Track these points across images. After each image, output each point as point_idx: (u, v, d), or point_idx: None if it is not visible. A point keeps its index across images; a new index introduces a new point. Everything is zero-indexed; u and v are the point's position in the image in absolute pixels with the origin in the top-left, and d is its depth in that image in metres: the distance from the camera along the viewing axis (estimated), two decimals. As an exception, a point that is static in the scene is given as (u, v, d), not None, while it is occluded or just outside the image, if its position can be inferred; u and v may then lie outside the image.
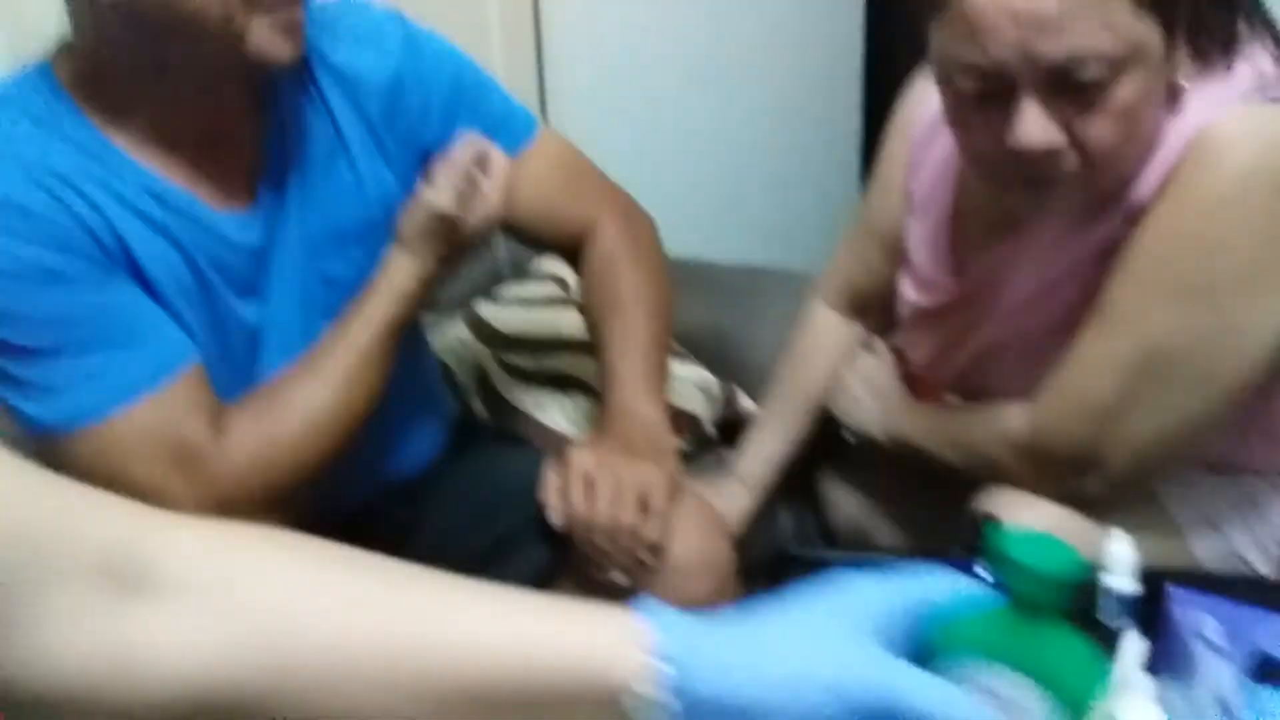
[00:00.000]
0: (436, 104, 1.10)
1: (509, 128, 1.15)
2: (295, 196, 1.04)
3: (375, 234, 1.08)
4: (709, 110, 2.37)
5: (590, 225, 1.21)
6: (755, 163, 2.49)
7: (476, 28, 2.04)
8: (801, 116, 2.58)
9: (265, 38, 0.91)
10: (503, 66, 2.12)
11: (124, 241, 0.95)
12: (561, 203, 1.20)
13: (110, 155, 0.95)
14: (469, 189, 1.05)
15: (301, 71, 1.04)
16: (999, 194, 1.01)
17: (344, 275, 1.07)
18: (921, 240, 1.17)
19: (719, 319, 1.67)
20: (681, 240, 1.70)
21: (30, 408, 0.92)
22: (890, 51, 2.64)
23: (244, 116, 1.02)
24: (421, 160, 1.10)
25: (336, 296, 1.06)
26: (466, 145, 1.06)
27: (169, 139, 0.97)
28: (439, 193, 1.04)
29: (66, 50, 0.98)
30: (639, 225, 1.26)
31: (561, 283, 1.67)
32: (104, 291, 0.93)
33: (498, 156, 1.07)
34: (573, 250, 1.23)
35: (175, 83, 0.95)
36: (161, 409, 0.94)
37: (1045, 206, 0.98)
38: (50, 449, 0.91)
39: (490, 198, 1.06)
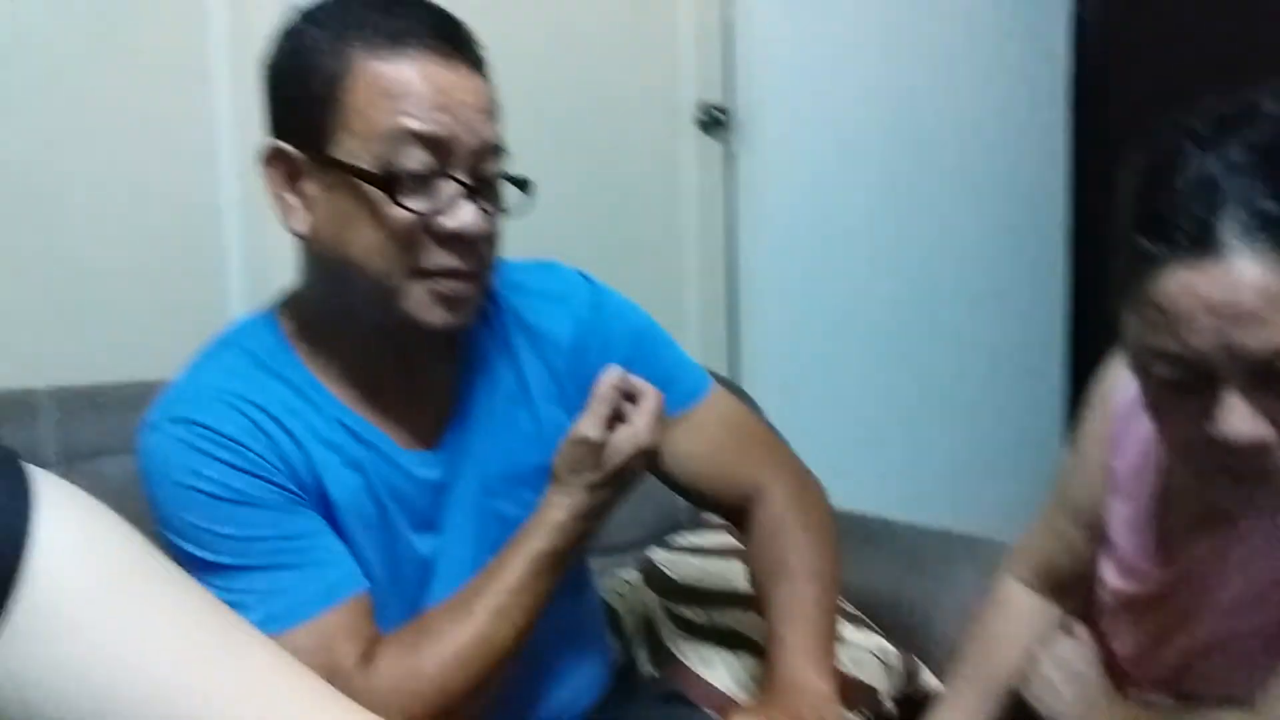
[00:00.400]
0: (615, 358, 1.12)
1: (681, 384, 1.17)
2: (478, 439, 1.09)
3: (548, 478, 1.09)
4: (904, 365, 2.35)
5: (757, 488, 1.19)
6: (949, 421, 2.44)
7: (673, 277, 2.11)
8: (1000, 376, 2.53)
9: (421, 303, 0.96)
10: (697, 318, 2.18)
11: (317, 473, 1.01)
12: (729, 462, 1.19)
13: (318, 395, 1.03)
14: (615, 417, 1.06)
15: (495, 325, 1.11)
16: (1202, 485, 0.93)
17: (517, 516, 1.08)
18: (1124, 522, 1.10)
19: (901, 584, 1.59)
20: (866, 496, 1.66)
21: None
22: (1096, 311, 2.59)
23: (437, 364, 1.07)
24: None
25: (508, 535, 1.07)
26: (610, 374, 1.07)
27: (367, 382, 1.04)
28: (585, 420, 1.05)
29: (292, 299, 1.08)
30: (810, 491, 1.23)
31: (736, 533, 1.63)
32: (289, 517, 0.99)
33: (645, 387, 1.07)
34: (739, 512, 1.21)
35: (366, 330, 1.02)
36: (320, 633, 0.97)
37: (1253, 502, 0.90)
38: None
39: (638, 425, 1.05)
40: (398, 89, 0.92)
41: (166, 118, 1.62)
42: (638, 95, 2.10)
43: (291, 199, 0.98)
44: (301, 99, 0.96)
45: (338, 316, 1.03)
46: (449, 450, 1.08)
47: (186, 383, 1.02)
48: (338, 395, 1.03)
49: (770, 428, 1.26)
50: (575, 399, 1.11)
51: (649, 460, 1.09)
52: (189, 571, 0.89)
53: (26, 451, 1.27)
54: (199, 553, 0.96)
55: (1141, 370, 0.89)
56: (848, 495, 1.79)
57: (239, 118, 1.61)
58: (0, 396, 1.38)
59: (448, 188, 0.95)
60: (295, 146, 0.97)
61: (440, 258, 0.95)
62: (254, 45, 1.57)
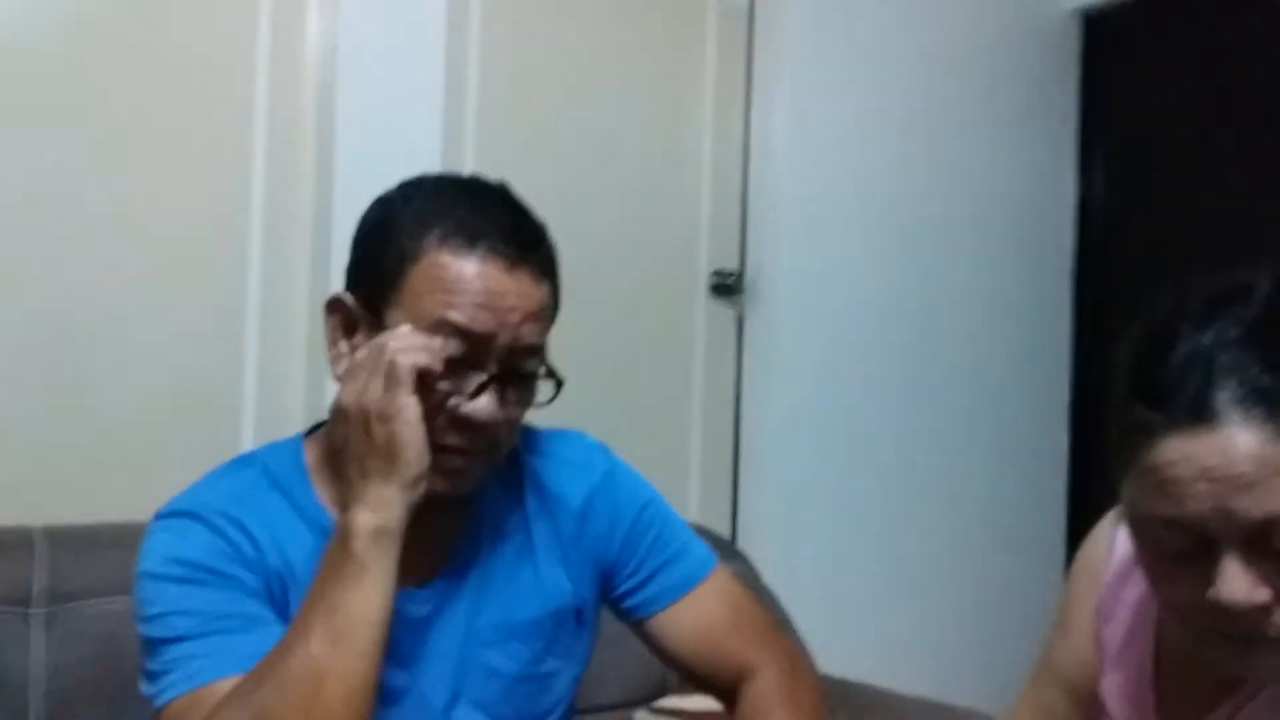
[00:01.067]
0: (621, 529, 1.16)
1: (687, 561, 1.18)
2: (473, 585, 1.09)
3: (540, 633, 1.11)
4: (907, 532, 2.33)
5: (749, 669, 1.17)
6: (951, 590, 2.40)
7: (679, 434, 2.12)
8: (1003, 550, 2.51)
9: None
10: (700, 475, 2.18)
11: (288, 592, 1.02)
12: (723, 642, 1.18)
13: (319, 518, 1.05)
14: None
15: (511, 483, 1.14)
16: (1201, 649, 0.92)
17: (504, 668, 1.09)
18: (1120, 694, 1.07)
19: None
20: (863, 662, 1.63)
21: (146, 688, 0.99)
22: (1098, 484, 2.57)
23: (445, 512, 1.07)
24: (597, 575, 1.16)
25: (491, 688, 1.08)
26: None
27: None
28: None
29: (318, 430, 1.11)
30: (800, 669, 1.22)
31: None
32: (241, 605, 0.99)
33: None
34: (729, 692, 1.19)
35: None
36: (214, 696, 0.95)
37: (1252, 666, 0.88)
38: None
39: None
40: (453, 284, 0.98)
41: (199, 268, 1.69)
42: (657, 262, 2.16)
43: (343, 347, 1.03)
44: (374, 265, 1.02)
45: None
46: (440, 591, 1.08)
47: (196, 488, 1.07)
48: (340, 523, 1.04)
49: (766, 608, 1.25)
50: (575, 563, 1.14)
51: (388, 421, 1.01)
52: (145, 658, 0.96)
53: (14, 588, 1.29)
54: (143, 629, 0.99)
55: (1140, 536, 0.89)
56: (843, 661, 1.76)
57: (268, 275, 1.73)
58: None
59: (475, 377, 0.99)
60: (358, 302, 1.03)
61: (452, 437, 0.99)
62: (286, 217, 1.74)
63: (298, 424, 1.72)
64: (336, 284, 1.63)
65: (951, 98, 2.44)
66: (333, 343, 1.04)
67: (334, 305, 1.04)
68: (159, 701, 0.97)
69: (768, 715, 1.14)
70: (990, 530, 2.48)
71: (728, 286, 2.21)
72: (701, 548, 1.21)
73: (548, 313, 1.05)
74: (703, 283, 2.21)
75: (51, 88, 1.58)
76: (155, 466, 1.62)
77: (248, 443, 1.71)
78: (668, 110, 2.18)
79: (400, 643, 1.04)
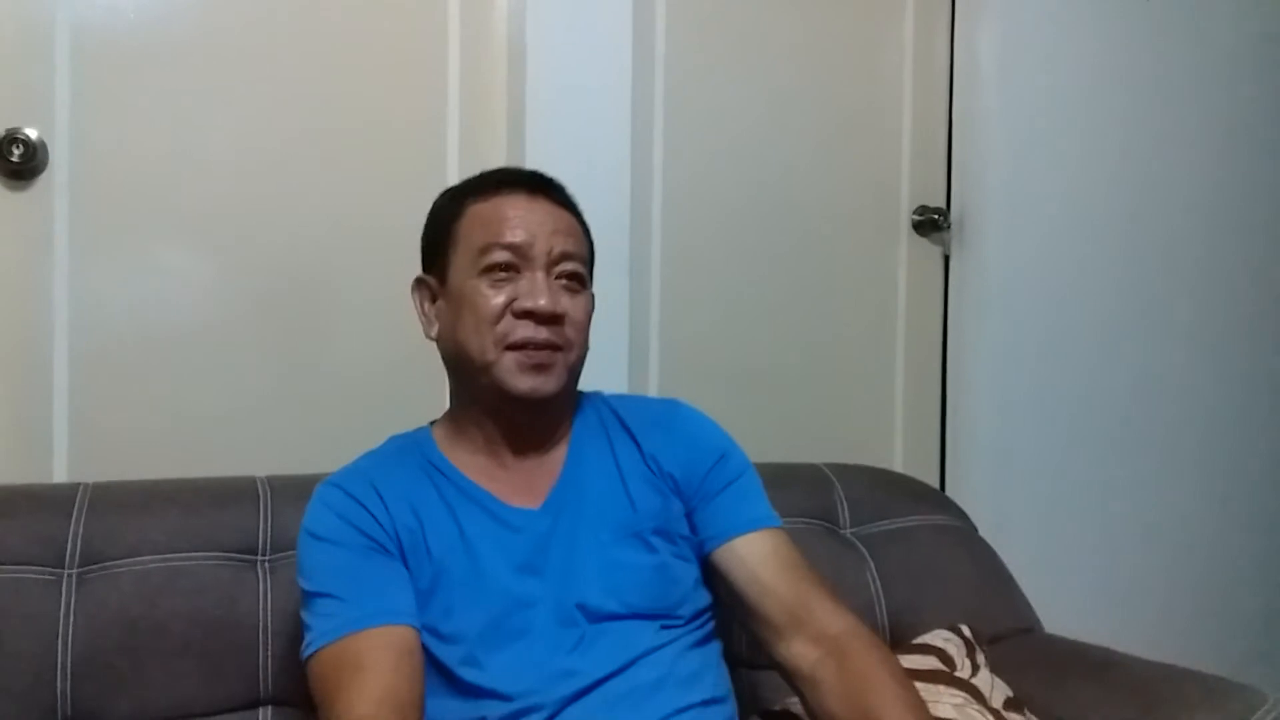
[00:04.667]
0: (700, 459, 1.31)
1: (757, 507, 1.30)
2: (580, 500, 1.26)
3: (648, 531, 1.26)
4: (1128, 484, 2.20)
5: (809, 613, 1.22)
6: (1178, 549, 2.25)
7: (885, 377, 2.05)
8: (1240, 504, 2.33)
9: (510, 370, 1.20)
10: (904, 436, 2.11)
11: (423, 532, 1.21)
12: (785, 581, 1.25)
13: (446, 468, 1.27)
14: None
15: (598, 425, 1.33)
16: None
17: (627, 560, 1.23)
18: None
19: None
20: (1084, 623, 1.55)
21: (304, 639, 1.16)
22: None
23: (546, 445, 1.29)
24: (678, 489, 1.30)
25: (619, 579, 1.21)
26: None
27: (486, 456, 1.27)
28: None
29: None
30: (881, 642, 1.22)
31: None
32: (362, 560, 1.18)
33: None
34: (779, 631, 1.23)
35: (484, 410, 1.26)
36: (334, 659, 1.12)
37: None
38: None
39: None
40: (490, 217, 1.23)
41: (408, 231, 1.71)
42: (856, 199, 2.09)
43: (430, 313, 1.28)
44: (433, 241, 1.28)
45: (465, 403, 1.28)
46: (554, 508, 1.25)
47: (351, 463, 1.29)
48: (461, 465, 1.26)
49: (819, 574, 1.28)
50: (660, 477, 1.29)
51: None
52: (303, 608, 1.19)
53: (238, 538, 1.36)
54: (300, 582, 1.19)
55: None
56: (1062, 619, 1.66)
57: None
58: (222, 483, 1.44)
59: (527, 280, 1.21)
60: (431, 276, 1.28)
61: (522, 331, 1.19)
62: (482, 166, 1.76)
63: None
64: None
65: (1176, 17, 2.23)
66: (421, 311, 1.29)
67: (417, 284, 1.29)
68: (306, 653, 1.14)
69: (872, 673, 1.16)
70: (1220, 481, 2.30)
71: (932, 223, 2.11)
72: (769, 507, 1.31)
73: (577, 233, 1.26)
74: (905, 220, 2.12)
75: (253, 62, 1.65)
76: (368, 419, 1.69)
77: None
78: (866, 37, 2.09)
79: (531, 555, 1.21)
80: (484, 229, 1.22)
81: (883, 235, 2.11)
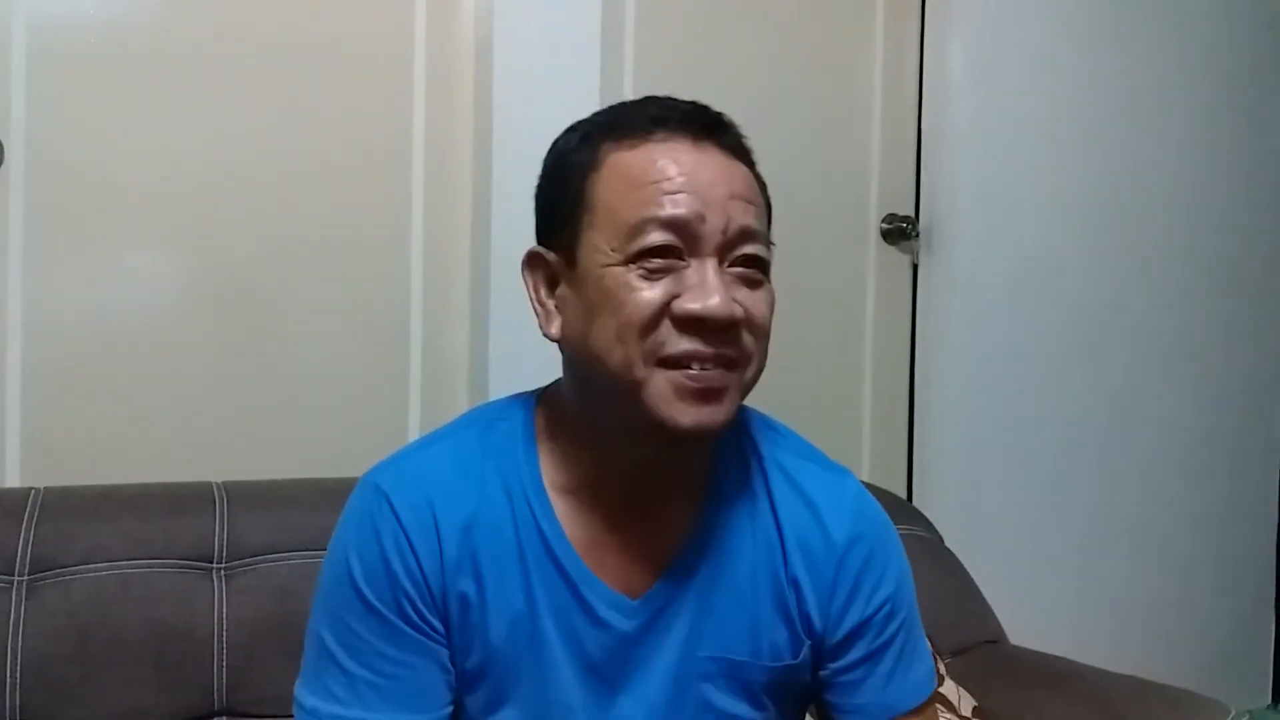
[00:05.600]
0: (859, 605, 0.98)
1: (908, 678, 1.00)
2: (688, 599, 0.96)
3: (753, 691, 0.97)
4: (1092, 492, 2.21)
5: None
6: (1140, 557, 2.27)
7: (852, 384, 2.04)
8: (1202, 511, 2.35)
9: (664, 395, 0.86)
10: (873, 427, 2.11)
11: (484, 596, 0.93)
12: None
13: (537, 502, 0.94)
14: None
15: (750, 494, 0.99)
16: None
17: (723, 707, 0.96)
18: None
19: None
20: (1044, 632, 1.55)
21: (298, 688, 0.94)
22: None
23: (675, 504, 0.97)
24: (815, 644, 0.99)
25: None
26: None
27: (597, 501, 0.95)
28: None
29: (551, 392, 1.00)
30: None
31: None
32: (394, 635, 0.92)
33: None
34: None
35: (612, 441, 0.93)
36: None
37: None
38: None
39: None
40: (641, 176, 0.89)
41: (370, 231, 1.72)
42: (826, 207, 2.08)
43: (549, 303, 0.94)
44: (556, 200, 0.94)
45: (586, 423, 0.94)
46: (655, 604, 0.95)
47: (416, 451, 0.99)
48: (558, 508, 0.94)
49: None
50: (795, 609, 0.97)
51: None
52: (312, 647, 0.92)
53: (193, 545, 1.33)
54: (314, 606, 0.95)
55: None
56: (1029, 629, 1.67)
57: (429, 235, 1.74)
58: (178, 489, 1.41)
59: (694, 272, 0.88)
60: (552, 250, 0.94)
61: (683, 343, 0.87)
62: (445, 179, 1.74)
63: (462, 377, 1.73)
64: (498, 235, 1.65)
65: (1148, 30, 2.25)
66: (536, 300, 0.95)
67: (531, 260, 0.95)
68: (297, 699, 0.94)
69: None
70: (1193, 491, 2.32)
71: (901, 232, 2.11)
72: (927, 662, 1.02)
73: (757, 197, 0.93)
74: (874, 228, 2.12)
75: (215, 59, 1.62)
76: (327, 425, 1.67)
77: (414, 398, 1.73)
78: (837, 47, 2.08)
79: (607, 659, 0.94)
80: (635, 194, 0.88)
81: (852, 243, 2.11)
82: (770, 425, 1.05)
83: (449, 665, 0.93)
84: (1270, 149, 2.45)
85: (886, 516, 1.03)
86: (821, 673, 0.98)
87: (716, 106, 0.98)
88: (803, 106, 2.04)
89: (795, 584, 0.96)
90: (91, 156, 1.55)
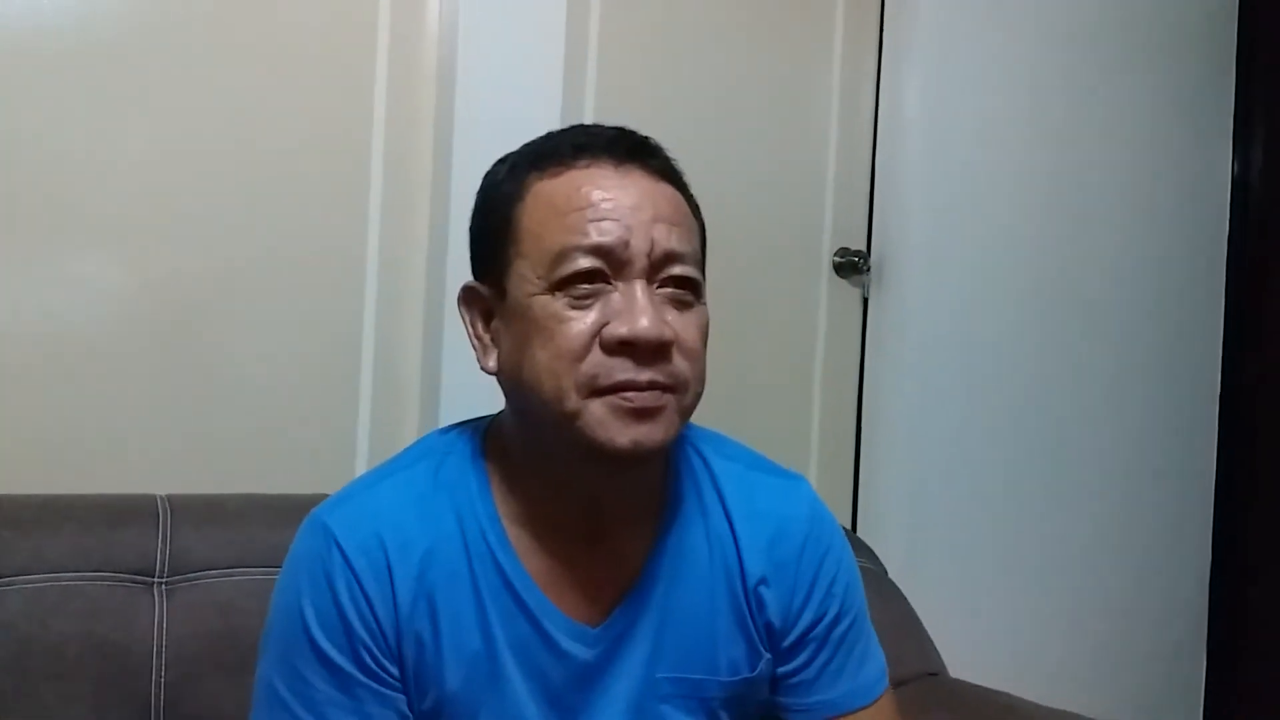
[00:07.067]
0: (811, 608, 1.01)
1: (861, 674, 1.03)
2: (646, 624, 0.96)
3: (712, 709, 0.98)
4: (1038, 528, 2.24)
5: None
6: (1084, 595, 2.30)
7: (801, 416, 2.05)
8: (1142, 552, 2.40)
9: (600, 420, 0.86)
10: (821, 459, 2.12)
11: (437, 635, 0.92)
12: None
13: (492, 533, 0.94)
14: None
15: (702, 513, 1.00)
16: None
17: None
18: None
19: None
20: (989, 667, 1.56)
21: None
22: (1246, 488, 2.46)
23: (629, 529, 0.97)
24: (772, 651, 1.01)
25: None
26: None
27: (550, 532, 0.95)
28: None
29: (497, 422, 1.00)
30: None
31: None
32: (350, 688, 0.91)
33: None
34: None
35: (559, 473, 0.94)
36: None
37: None
38: None
39: None
40: (565, 203, 0.89)
41: (325, 247, 1.70)
42: (778, 239, 2.10)
43: (485, 337, 0.95)
44: (485, 232, 0.95)
45: (531, 452, 0.95)
46: (614, 631, 0.95)
47: (366, 489, 0.97)
48: (514, 540, 0.94)
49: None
50: (754, 620, 0.99)
51: None
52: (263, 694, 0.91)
53: (134, 558, 1.31)
54: (261, 649, 0.94)
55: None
56: (970, 663, 1.68)
57: (385, 249, 1.73)
58: (121, 500, 1.39)
59: (621, 296, 0.88)
60: (485, 283, 0.95)
61: (616, 372, 0.87)
62: (403, 190, 1.73)
63: (414, 397, 1.72)
64: (455, 255, 1.65)
65: (1095, 73, 2.30)
66: (473, 334, 0.96)
67: (465, 295, 0.96)
68: None
69: None
70: (1131, 530, 2.36)
71: (853, 265, 2.13)
72: (879, 660, 1.06)
73: (685, 218, 0.93)
74: (826, 261, 2.14)
75: (174, 59, 1.60)
76: (274, 441, 1.65)
77: (364, 417, 1.71)
78: (795, 86, 2.11)
79: (567, 689, 0.94)
80: (559, 221, 0.88)
81: (804, 275, 2.13)
82: (717, 441, 1.07)
83: (407, 712, 0.92)
84: (1214, 181, 2.52)
85: (837, 522, 1.06)
86: (776, 672, 1.00)
87: (674, 136, 1.00)
88: (760, 142, 2.06)
89: (755, 595, 0.98)
90: (39, 161, 1.52)
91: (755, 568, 0.98)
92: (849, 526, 2.10)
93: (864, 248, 2.16)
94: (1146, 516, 2.39)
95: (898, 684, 1.53)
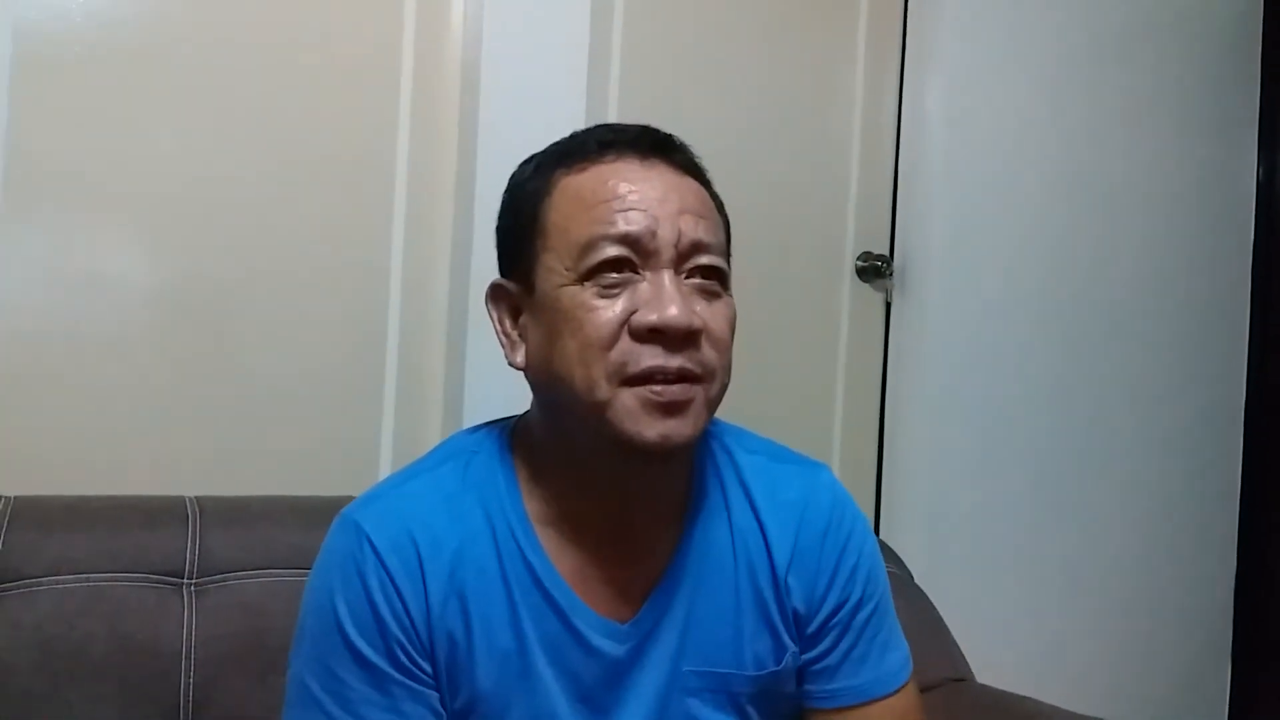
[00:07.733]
0: (834, 596, 1.01)
1: (885, 661, 1.03)
2: (674, 619, 0.97)
3: (739, 703, 0.99)
4: (1064, 533, 2.22)
5: None
6: (1111, 598, 2.28)
7: (823, 419, 2.04)
8: (1169, 558, 2.38)
9: (630, 411, 0.87)
10: (844, 463, 2.11)
11: (469, 631, 0.92)
12: None
13: (521, 532, 0.94)
14: None
15: (726, 506, 1.01)
16: None
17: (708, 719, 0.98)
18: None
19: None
20: (1013, 671, 1.57)
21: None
22: (1267, 490, 2.44)
23: (657, 525, 0.98)
24: (798, 640, 1.02)
25: None
26: None
27: (579, 529, 0.96)
28: None
29: (523, 423, 1.01)
30: None
31: None
32: (384, 685, 0.91)
33: None
34: None
35: (588, 468, 0.94)
36: None
37: None
38: None
39: None
40: (591, 196, 0.91)
41: (349, 250, 1.72)
42: (802, 243, 2.10)
43: (513, 333, 0.96)
44: (512, 229, 0.96)
45: (559, 449, 0.95)
46: (643, 626, 0.96)
47: (395, 487, 0.98)
48: (543, 539, 0.95)
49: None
50: (782, 610, 1.00)
51: None
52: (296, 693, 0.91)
53: (163, 559, 1.31)
54: (292, 655, 0.94)
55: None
56: (992, 667, 1.68)
57: (409, 253, 1.74)
58: (150, 502, 1.40)
59: (649, 285, 0.89)
60: (512, 280, 0.96)
61: (645, 359, 0.87)
62: (428, 195, 1.75)
63: (437, 400, 1.73)
64: (479, 258, 1.66)
65: (1120, 77, 2.29)
66: (501, 331, 0.97)
67: (493, 292, 0.97)
68: None
69: None
70: (1155, 535, 2.34)
71: (876, 269, 2.13)
72: (902, 649, 1.06)
73: (710, 211, 0.95)
74: (849, 265, 2.14)
75: (200, 68, 1.61)
76: (300, 443, 1.66)
77: (389, 420, 1.72)
78: (817, 90, 2.11)
79: (598, 687, 0.95)
80: (586, 214, 0.90)
81: (826, 279, 2.13)
82: (740, 435, 1.08)
83: (440, 709, 0.93)
84: (1239, 185, 2.50)
85: (859, 509, 1.07)
86: (804, 659, 1.01)
87: (698, 140, 1.00)
88: (783, 147, 2.06)
89: (783, 584, 0.99)
90: (70, 163, 1.54)
91: (784, 556, 0.99)
92: (873, 530, 2.09)
93: (887, 252, 2.15)
94: (1172, 521, 2.37)
95: (924, 690, 1.53)
